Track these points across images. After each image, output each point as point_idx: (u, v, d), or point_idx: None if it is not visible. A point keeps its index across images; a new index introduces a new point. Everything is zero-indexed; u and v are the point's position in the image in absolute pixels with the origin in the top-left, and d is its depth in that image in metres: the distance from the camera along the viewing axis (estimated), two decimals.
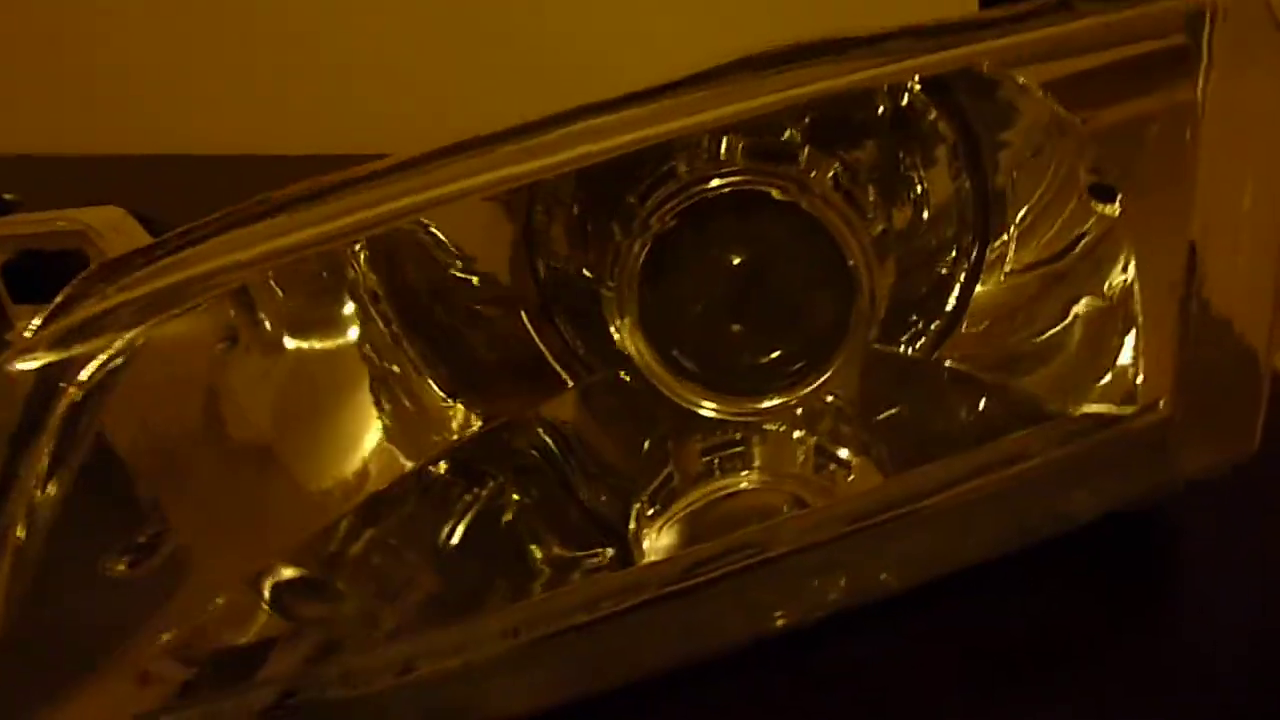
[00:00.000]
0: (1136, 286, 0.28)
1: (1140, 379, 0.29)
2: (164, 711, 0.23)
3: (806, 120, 0.30)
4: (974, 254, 0.33)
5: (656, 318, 0.29)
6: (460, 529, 0.31)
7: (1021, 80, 0.29)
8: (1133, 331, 0.29)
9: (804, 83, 0.25)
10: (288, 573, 0.28)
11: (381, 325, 0.31)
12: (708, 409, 0.30)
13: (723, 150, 0.29)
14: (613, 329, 0.30)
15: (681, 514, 0.31)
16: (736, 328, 0.30)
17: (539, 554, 0.31)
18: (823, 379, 0.29)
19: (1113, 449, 0.29)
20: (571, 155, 0.25)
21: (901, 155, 0.33)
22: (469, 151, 0.24)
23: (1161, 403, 0.28)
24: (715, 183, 0.27)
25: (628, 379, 0.31)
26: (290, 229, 0.23)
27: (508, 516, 0.32)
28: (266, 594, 0.27)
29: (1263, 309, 0.28)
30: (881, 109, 0.32)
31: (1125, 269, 0.29)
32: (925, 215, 0.33)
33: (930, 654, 0.27)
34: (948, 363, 0.33)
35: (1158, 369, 0.29)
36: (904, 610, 0.27)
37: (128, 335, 0.23)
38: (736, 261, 0.29)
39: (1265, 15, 0.28)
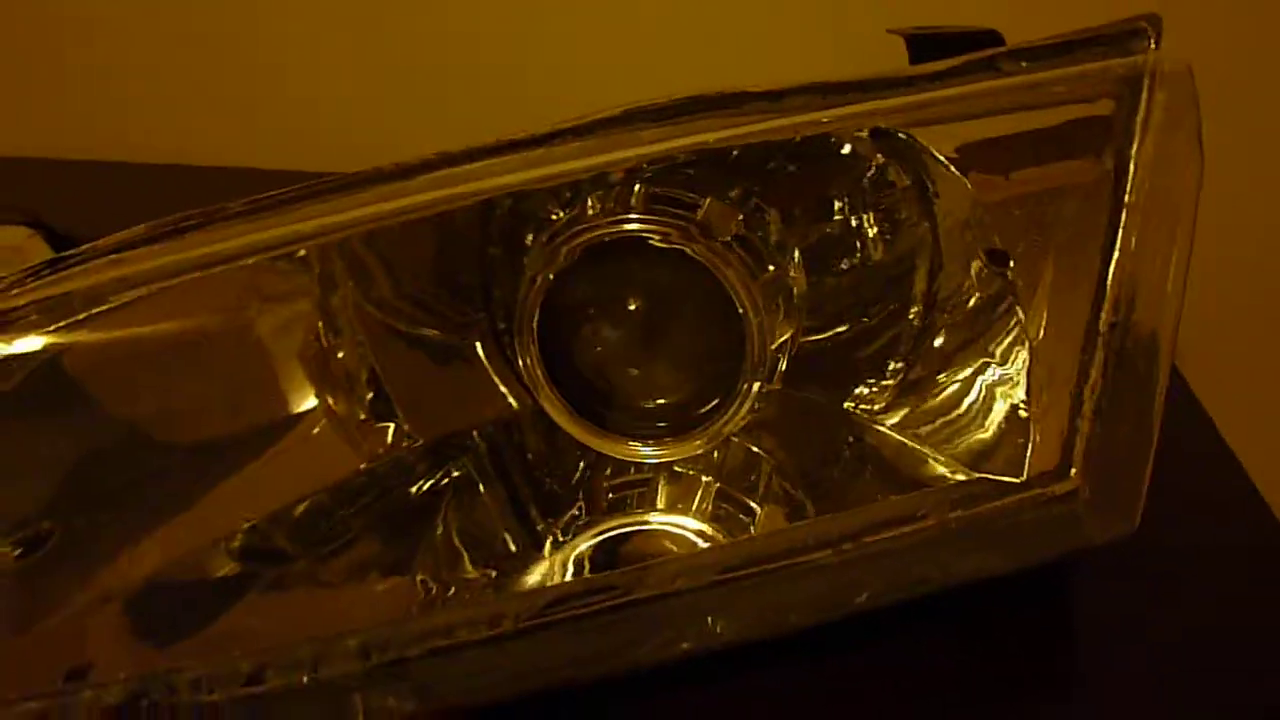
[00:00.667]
0: (1032, 359, 0.28)
1: (1035, 449, 0.28)
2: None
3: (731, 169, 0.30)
4: (912, 310, 0.33)
5: (557, 358, 0.30)
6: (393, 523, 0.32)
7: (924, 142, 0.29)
8: (1031, 403, 0.28)
9: (691, 134, 0.26)
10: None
11: (348, 334, 0.33)
12: (604, 448, 0.31)
13: (632, 197, 0.30)
14: (521, 364, 0.31)
15: (582, 545, 0.32)
16: (634, 371, 0.30)
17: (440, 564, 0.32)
18: (717, 428, 0.30)
19: (1009, 515, 0.29)
20: (460, 191, 0.26)
21: (844, 203, 0.33)
22: (360, 186, 0.25)
23: (1061, 472, 0.28)
24: (608, 228, 0.28)
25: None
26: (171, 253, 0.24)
27: (439, 526, 0.33)
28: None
29: (1160, 383, 0.28)
30: (830, 160, 0.33)
31: (1023, 339, 0.29)
32: (871, 260, 0.33)
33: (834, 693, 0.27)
34: (868, 426, 0.33)
35: (1056, 440, 0.28)
36: (818, 650, 0.27)
37: (31, 338, 0.24)
38: (633, 306, 0.29)
39: (1189, 83, 0.28)
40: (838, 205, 0.34)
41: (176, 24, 0.65)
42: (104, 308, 0.25)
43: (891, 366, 0.33)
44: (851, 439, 0.33)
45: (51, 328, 0.24)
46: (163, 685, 0.24)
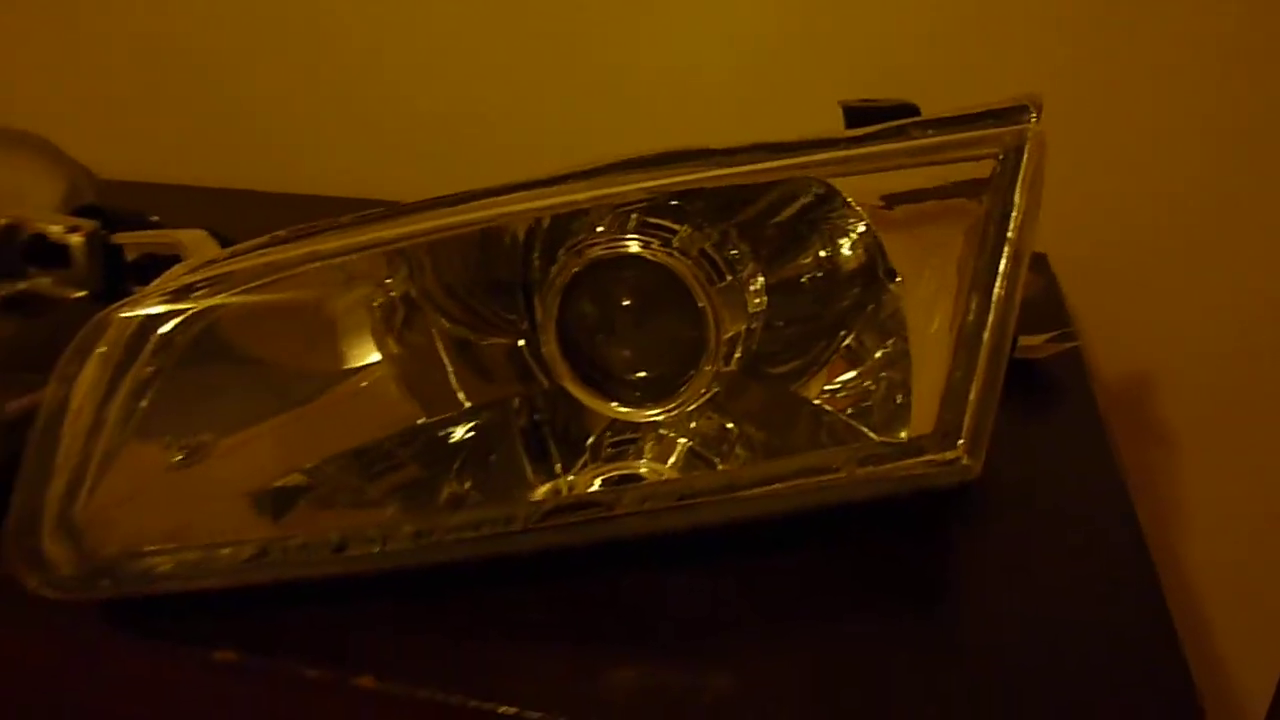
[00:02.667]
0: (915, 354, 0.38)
1: (917, 421, 0.38)
2: None
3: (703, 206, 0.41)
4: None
5: (571, 343, 0.41)
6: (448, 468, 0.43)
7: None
8: (918, 390, 0.38)
9: (668, 177, 0.37)
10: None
11: (434, 318, 0.43)
12: (604, 412, 0.41)
13: (630, 222, 0.40)
14: (543, 350, 0.41)
15: (585, 481, 0.42)
16: (625, 353, 0.40)
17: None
18: (684, 398, 0.40)
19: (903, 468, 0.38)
20: (498, 213, 0.37)
21: (800, 232, 0.43)
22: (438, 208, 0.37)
23: (956, 441, 0.37)
24: (609, 245, 0.38)
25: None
26: (302, 249, 0.35)
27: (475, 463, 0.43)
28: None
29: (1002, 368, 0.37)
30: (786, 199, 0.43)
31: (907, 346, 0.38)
32: (821, 276, 0.43)
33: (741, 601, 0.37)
34: (803, 402, 0.43)
35: (933, 413, 0.38)
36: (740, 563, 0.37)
37: (202, 303, 0.36)
38: (625, 303, 0.40)
39: (1044, 147, 0.37)
40: (790, 241, 0.44)
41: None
42: (252, 284, 0.36)
43: (826, 359, 0.42)
44: (800, 415, 0.43)
45: (217, 297, 0.36)
46: (279, 547, 0.35)
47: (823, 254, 0.44)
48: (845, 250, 0.42)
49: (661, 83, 0.77)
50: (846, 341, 0.42)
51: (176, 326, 0.36)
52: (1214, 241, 0.70)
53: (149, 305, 0.36)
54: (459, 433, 0.43)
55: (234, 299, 0.36)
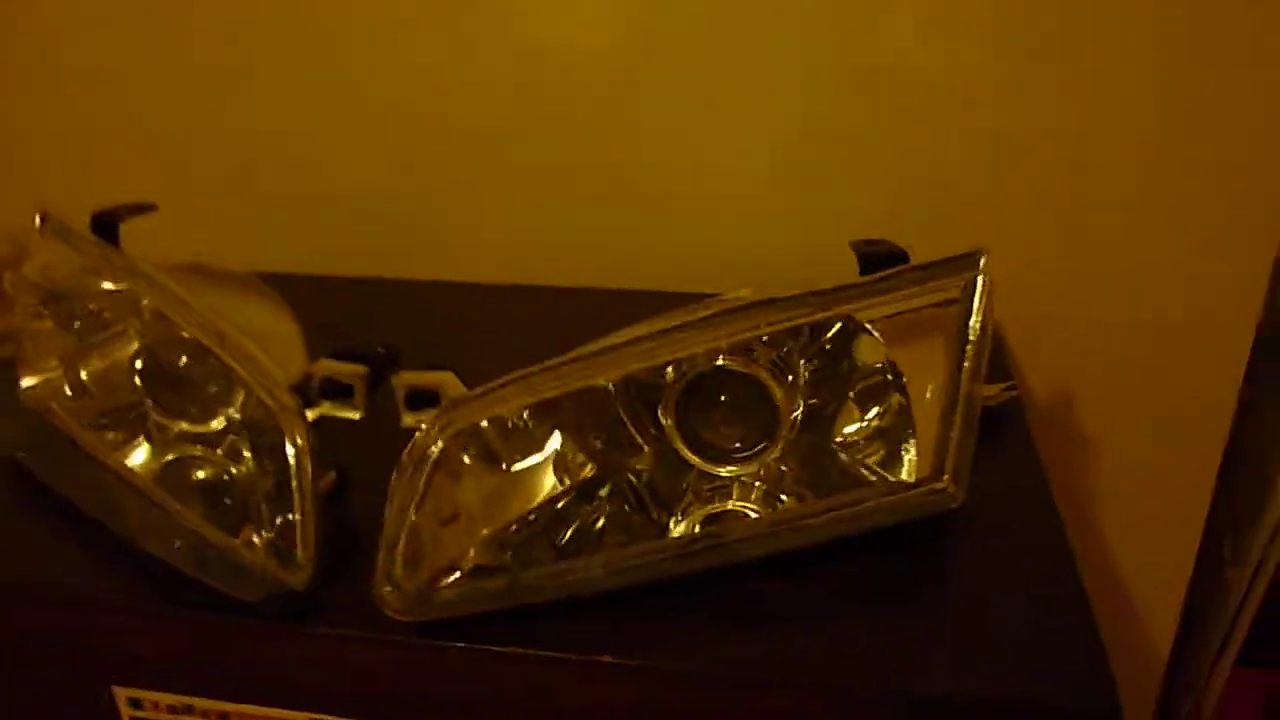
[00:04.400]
0: (914, 420, 0.59)
1: (917, 465, 0.59)
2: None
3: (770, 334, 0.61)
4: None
5: (687, 425, 0.61)
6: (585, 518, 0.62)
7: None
8: (918, 444, 0.59)
9: (748, 322, 0.57)
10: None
11: None
12: (707, 469, 0.61)
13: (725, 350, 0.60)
14: (665, 426, 0.62)
15: (694, 517, 0.63)
16: (725, 429, 0.61)
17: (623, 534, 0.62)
18: (764, 459, 0.61)
19: (908, 495, 0.59)
20: (644, 359, 0.57)
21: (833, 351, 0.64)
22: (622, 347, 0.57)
23: (943, 478, 0.58)
24: (709, 363, 0.59)
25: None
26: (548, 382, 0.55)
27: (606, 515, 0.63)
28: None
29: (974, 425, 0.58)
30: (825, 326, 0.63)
31: (907, 409, 0.59)
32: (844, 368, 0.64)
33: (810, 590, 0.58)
34: (839, 454, 0.63)
35: (930, 459, 0.59)
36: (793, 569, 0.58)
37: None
38: (722, 398, 0.60)
39: (990, 280, 0.58)
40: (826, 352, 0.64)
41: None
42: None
43: (850, 426, 0.63)
44: (834, 462, 0.64)
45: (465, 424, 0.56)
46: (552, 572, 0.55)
47: (848, 355, 0.65)
48: (862, 350, 0.63)
49: (688, 195, 0.97)
50: (861, 412, 0.63)
51: (444, 447, 0.56)
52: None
53: (437, 441, 0.55)
54: (601, 492, 0.63)
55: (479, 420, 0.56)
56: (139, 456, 0.68)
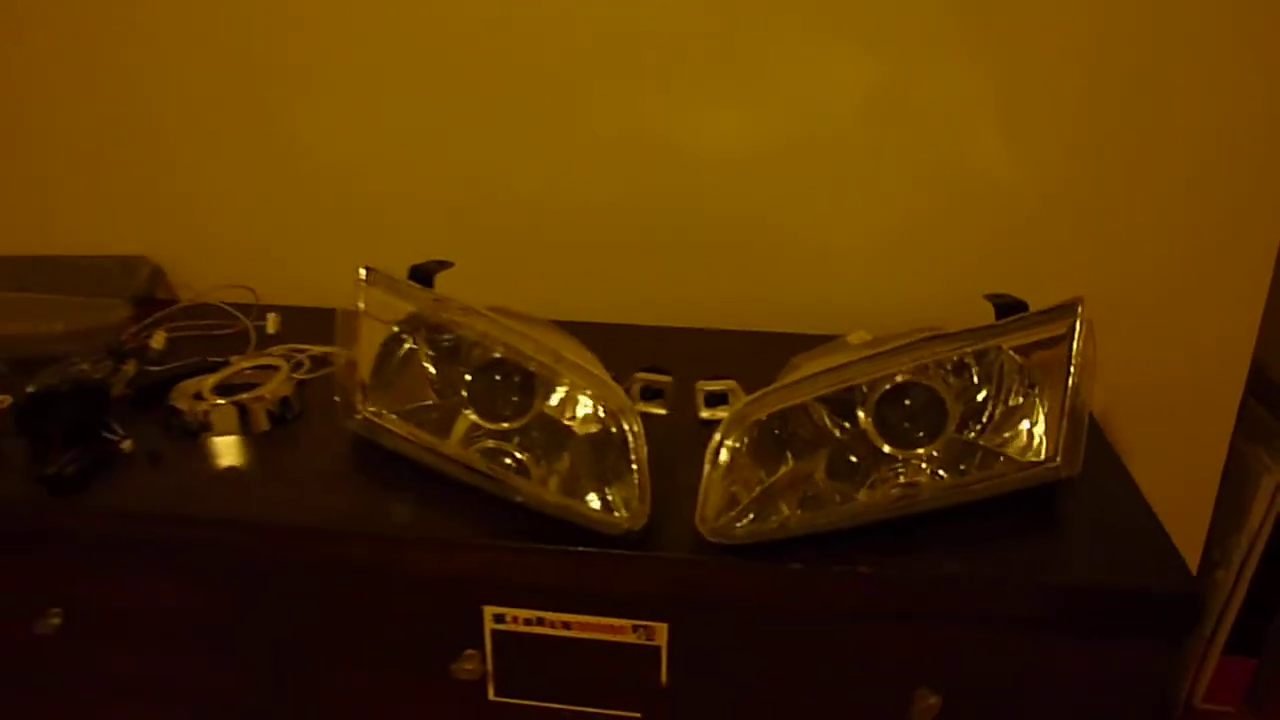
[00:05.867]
0: (1044, 414, 0.87)
1: (1046, 445, 0.87)
2: None
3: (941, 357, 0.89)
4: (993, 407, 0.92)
5: (880, 418, 0.88)
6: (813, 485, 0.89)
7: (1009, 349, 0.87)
8: (1042, 428, 0.87)
9: (920, 350, 0.85)
10: None
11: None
12: (890, 451, 0.89)
13: (924, 367, 0.88)
14: (862, 425, 0.89)
15: (881, 487, 0.89)
16: (907, 425, 0.88)
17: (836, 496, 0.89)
18: (934, 443, 0.88)
19: (1027, 471, 0.87)
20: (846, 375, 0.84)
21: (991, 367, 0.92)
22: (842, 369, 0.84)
23: (1056, 456, 0.85)
24: (899, 377, 0.86)
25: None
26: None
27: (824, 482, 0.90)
28: None
29: (1086, 422, 0.86)
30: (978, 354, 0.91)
31: (1037, 410, 0.87)
32: (990, 393, 0.92)
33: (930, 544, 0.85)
34: (980, 443, 0.91)
35: (1053, 444, 0.86)
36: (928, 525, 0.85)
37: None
38: (907, 403, 0.88)
39: (1088, 322, 0.87)
40: (981, 372, 0.92)
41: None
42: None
43: (989, 420, 0.91)
44: (976, 449, 0.91)
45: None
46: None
47: (993, 374, 0.92)
48: (1003, 369, 0.90)
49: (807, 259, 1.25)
50: (994, 417, 0.91)
51: (741, 431, 0.83)
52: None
53: (737, 425, 0.82)
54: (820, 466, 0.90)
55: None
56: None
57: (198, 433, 0.99)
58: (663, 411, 0.85)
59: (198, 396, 1.01)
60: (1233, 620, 1.61)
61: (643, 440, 0.81)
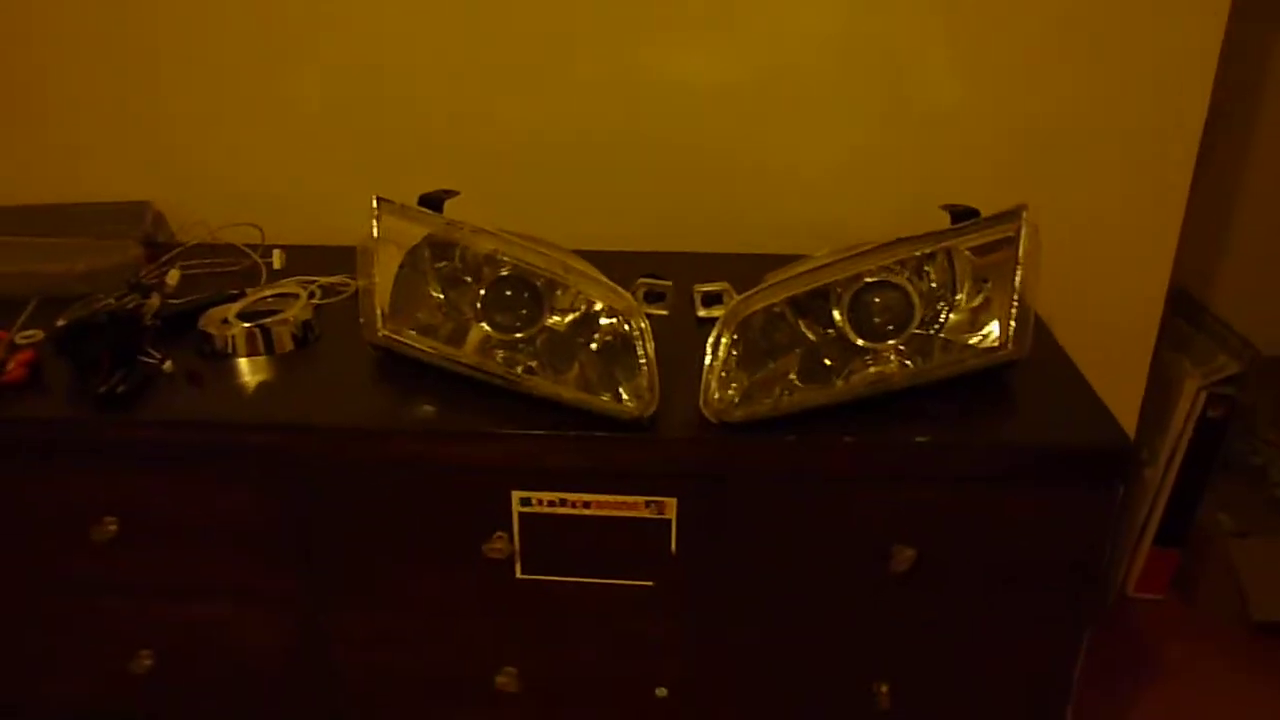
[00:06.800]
0: (997, 307, 0.99)
1: (998, 332, 0.99)
2: None
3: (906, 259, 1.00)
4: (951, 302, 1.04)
5: (853, 315, 1.00)
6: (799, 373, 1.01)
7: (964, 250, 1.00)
8: (996, 319, 0.99)
9: (883, 254, 0.97)
10: None
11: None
12: (862, 345, 1.00)
13: (891, 266, 0.99)
14: (836, 321, 1.00)
15: (860, 374, 1.01)
16: (877, 320, 1.00)
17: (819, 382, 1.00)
18: (899, 339, 1.00)
19: (983, 356, 0.99)
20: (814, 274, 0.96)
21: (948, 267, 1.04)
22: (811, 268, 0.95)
23: (1008, 343, 0.98)
24: (870, 276, 0.98)
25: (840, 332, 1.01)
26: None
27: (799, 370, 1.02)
28: None
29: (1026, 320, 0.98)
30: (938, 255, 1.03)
31: (991, 303, 1.00)
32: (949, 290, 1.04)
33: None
34: (941, 335, 1.03)
35: (1004, 331, 0.99)
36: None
37: None
38: (877, 300, 0.99)
39: (1034, 226, 0.99)
40: (940, 272, 1.04)
41: None
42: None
43: (947, 315, 1.03)
44: (937, 341, 1.04)
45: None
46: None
47: (947, 275, 1.04)
48: (956, 267, 1.02)
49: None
50: (953, 311, 1.03)
51: (736, 325, 0.94)
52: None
53: (733, 320, 0.93)
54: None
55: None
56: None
57: (228, 355, 1.07)
58: (664, 313, 0.96)
59: (225, 322, 1.09)
60: (1160, 514, 1.78)
61: (649, 336, 0.92)
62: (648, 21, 1.28)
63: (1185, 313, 1.82)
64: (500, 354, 1.02)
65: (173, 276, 1.23)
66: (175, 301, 1.16)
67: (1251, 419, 1.91)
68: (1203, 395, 1.67)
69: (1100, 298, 1.38)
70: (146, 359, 1.04)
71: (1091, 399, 0.97)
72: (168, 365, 1.03)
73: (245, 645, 1.05)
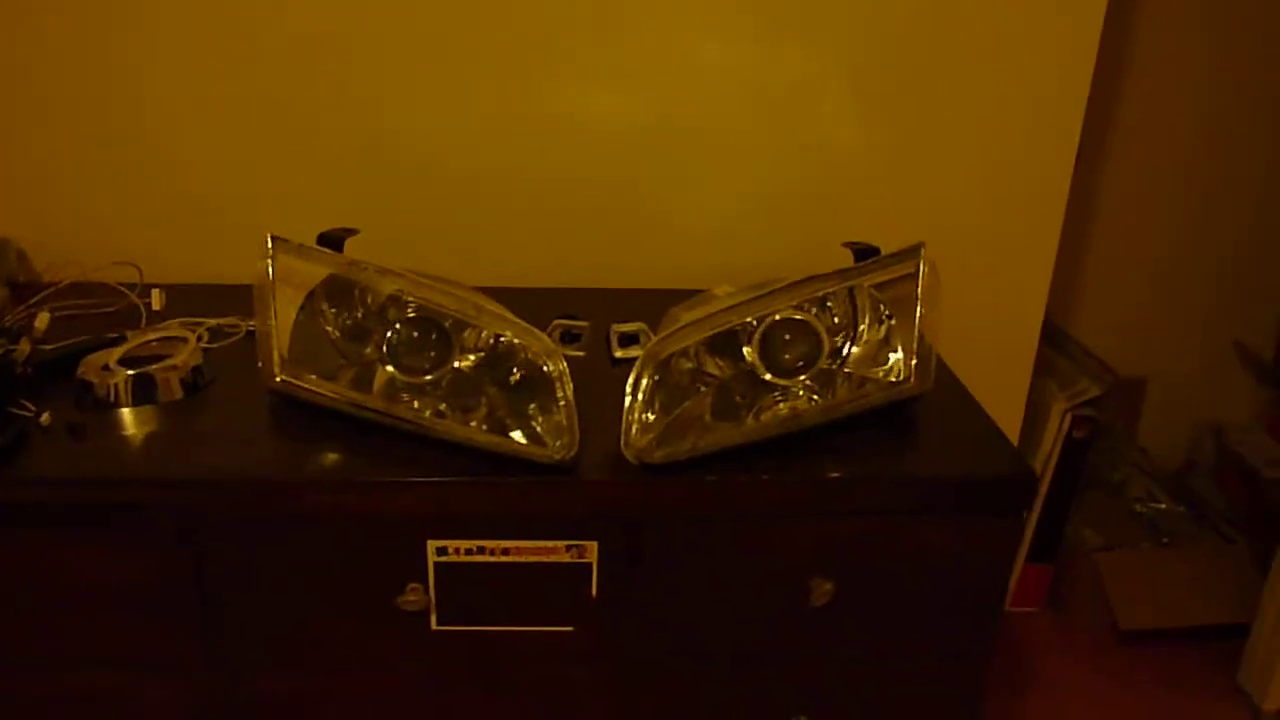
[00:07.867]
0: (899, 342, 1.02)
1: (902, 367, 1.02)
2: None
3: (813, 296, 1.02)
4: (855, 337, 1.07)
5: (764, 352, 1.01)
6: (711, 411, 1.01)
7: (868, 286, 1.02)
8: (899, 354, 1.03)
9: (794, 293, 0.99)
10: None
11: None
12: (772, 380, 1.02)
13: (800, 305, 1.01)
14: (748, 358, 1.02)
15: (771, 410, 1.03)
16: (786, 356, 1.02)
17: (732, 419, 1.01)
18: (808, 375, 1.02)
19: (889, 390, 1.02)
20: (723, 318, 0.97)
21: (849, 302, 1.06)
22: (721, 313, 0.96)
23: (910, 377, 1.01)
24: (781, 314, 1.00)
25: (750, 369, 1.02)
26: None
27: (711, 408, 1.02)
28: None
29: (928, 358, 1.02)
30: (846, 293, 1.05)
31: (893, 338, 1.03)
32: (852, 326, 1.07)
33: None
34: (845, 370, 1.06)
35: (907, 366, 1.02)
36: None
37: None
38: (786, 337, 1.01)
39: (931, 263, 1.03)
40: (843, 309, 1.07)
41: None
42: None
43: (851, 350, 1.06)
44: (842, 376, 1.06)
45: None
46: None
47: (850, 311, 1.07)
48: (858, 302, 1.05)
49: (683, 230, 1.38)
50: (856, 346, 1.06)
51: (655, 367, 0.94)
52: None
53: (651, 362, 0.93)
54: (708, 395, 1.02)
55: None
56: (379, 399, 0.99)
57: (111, 405, 1.01)
58: (581, 354, 0.95)
59: (106, 369, 1.03)
60: (1032, 531, 1.86)
61: (568, 378, 0.91)
62: (552, 59, 1.28)
63: (1049, 339, 1.92)
64: (407, 397, 1.00)
65: (42, 320, 1.14)
66: (47, 347, 1.08)
67: (1111, 437, 2.04)
68: (1068, 417, 1.76)
69: (981, 328, 1.44)
70: (20, 411, 0.96)
71: (992, 430, 1.01)
72: (45, 418, 0.96)
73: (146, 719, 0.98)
